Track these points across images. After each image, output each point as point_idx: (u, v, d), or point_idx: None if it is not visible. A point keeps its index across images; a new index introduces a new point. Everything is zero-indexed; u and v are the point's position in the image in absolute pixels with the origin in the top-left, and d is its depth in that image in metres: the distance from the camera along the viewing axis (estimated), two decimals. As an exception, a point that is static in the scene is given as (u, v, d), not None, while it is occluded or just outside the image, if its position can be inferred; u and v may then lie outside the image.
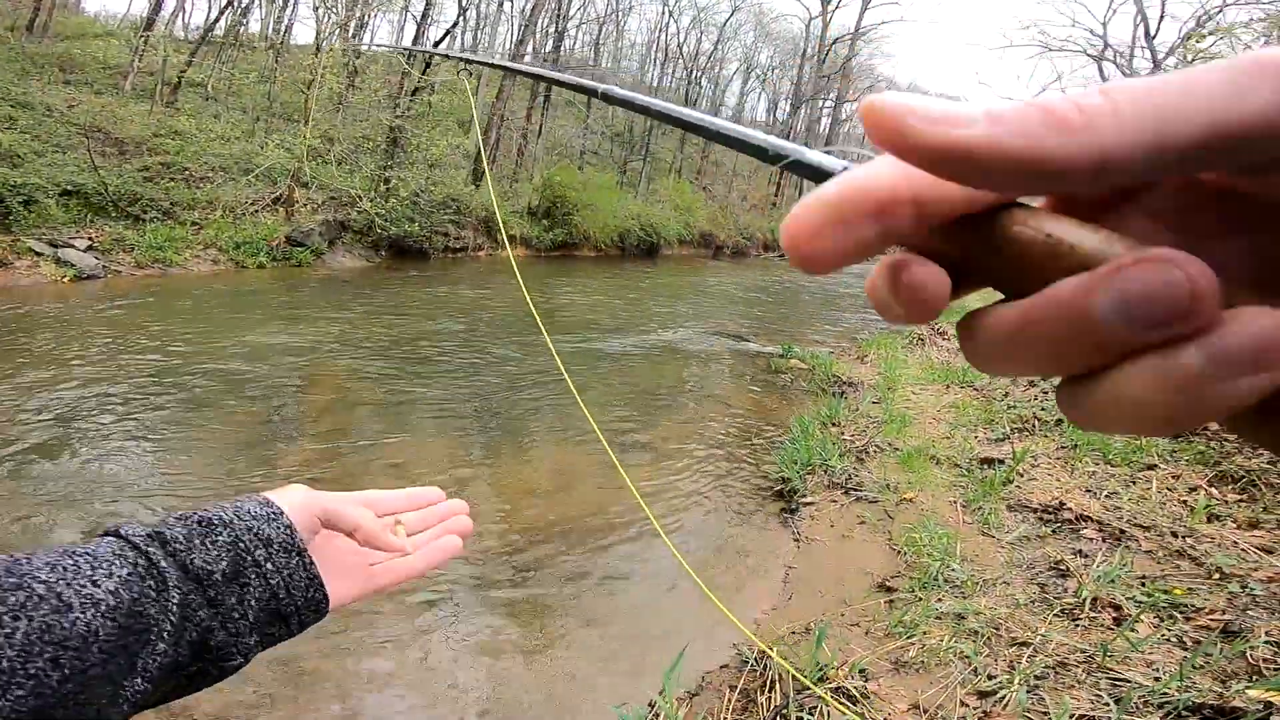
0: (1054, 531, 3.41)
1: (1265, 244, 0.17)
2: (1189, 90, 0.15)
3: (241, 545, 0.53)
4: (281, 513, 0.56)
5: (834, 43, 34.71)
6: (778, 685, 2.63)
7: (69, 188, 9.94)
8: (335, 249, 12.59)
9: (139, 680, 0.45)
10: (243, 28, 19.60)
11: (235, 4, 18.58)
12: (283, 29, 20.67)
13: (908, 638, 2.66)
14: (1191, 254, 0.15)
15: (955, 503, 3.95)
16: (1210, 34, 9.49)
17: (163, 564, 0.49)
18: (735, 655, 3.00)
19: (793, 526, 4.15)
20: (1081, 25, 17.30)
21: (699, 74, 33.62)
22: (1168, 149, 0.15)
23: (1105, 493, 3.77)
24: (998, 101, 0.16)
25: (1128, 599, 2.66)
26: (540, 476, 4.74)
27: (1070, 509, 3.53)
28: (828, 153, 0.26)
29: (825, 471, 4.59)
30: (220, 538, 0.52)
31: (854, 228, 0.18)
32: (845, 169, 0.22)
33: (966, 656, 2.44)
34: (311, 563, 0.56)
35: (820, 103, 37.13)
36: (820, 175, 0.25)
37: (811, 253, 0.18)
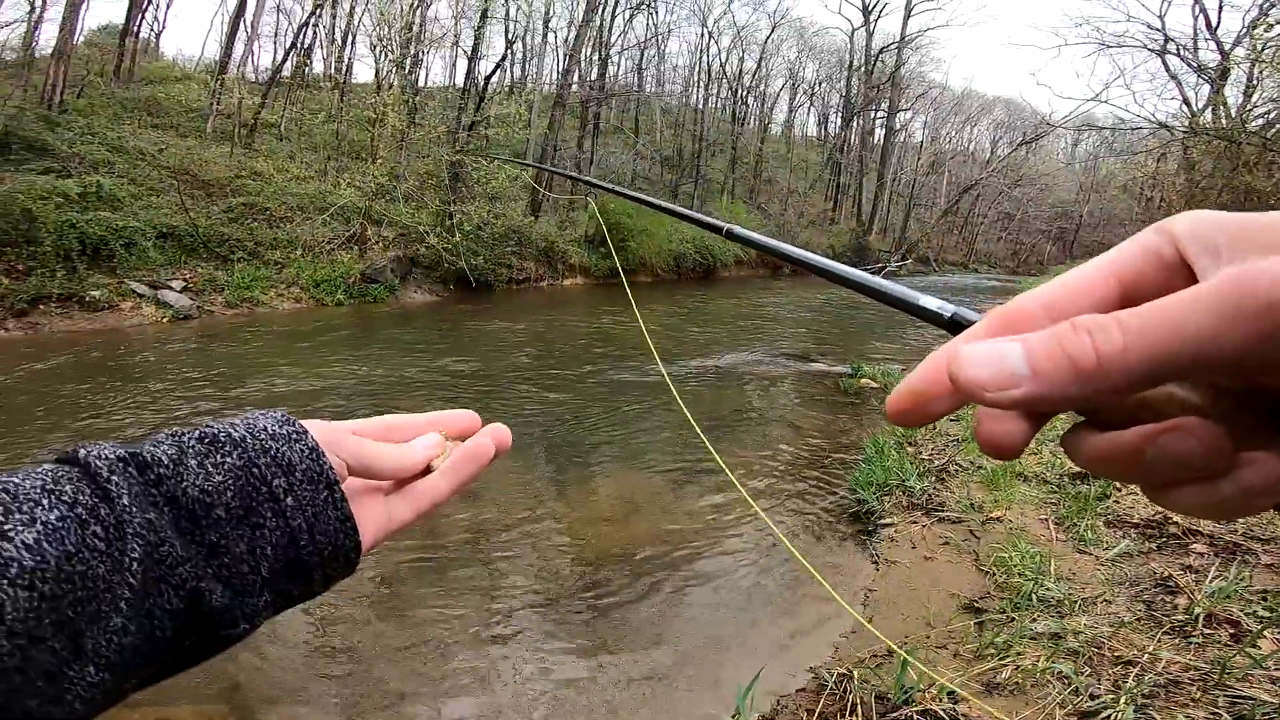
0: (1159, 547, 3.19)
1: (1268, 410, 0.22)
2: (1181, 330, 0.19)
3: (255, 471, 0.40)
4: (305, 433, 0.43)
5: (880, 52, 34.29)
6: (859, 709, 2.53)
7: (163, 230, 10.65)
8: (407, 284, 13.13)
9: (90, 669, 0.32)
10: (307, 68, 20.94)
11: (299, 45, 19.92)
12: (344, 68, 22.02)
13: (1000, 659, 2.52)
14: (1217, 421, 0.22)
15: (1047, 520, 3.75)
16: (1276, 23, 8.93)
17: (123, 500, 0.35)
18: (812, 678, 2.90)
19: (871, 549, 4.02)
20: (1137, 20, 16.50)
21: (744, 93, 33.72)
22: (1165, 375, 0.20)
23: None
24: (1038, 342, 0.21)
25: (1247, 615, 2.45)
26: (608, 499, 4.76)
27: (1177, 523, 3.29)
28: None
29: (904, 492, 4.45)
30: (228, 459, 0.40)
31: (938, 403, 0.25)
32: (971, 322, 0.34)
33: (1066, 676, 2.30)
34: (343, 499, 0.43)
35: (873, 113, 36.59)
36: (953, 325, 0.35)
37: (905, 422, 0.26)
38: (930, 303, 0.36)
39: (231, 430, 0.42)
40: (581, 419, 6.53)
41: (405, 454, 0.49)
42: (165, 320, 9.33)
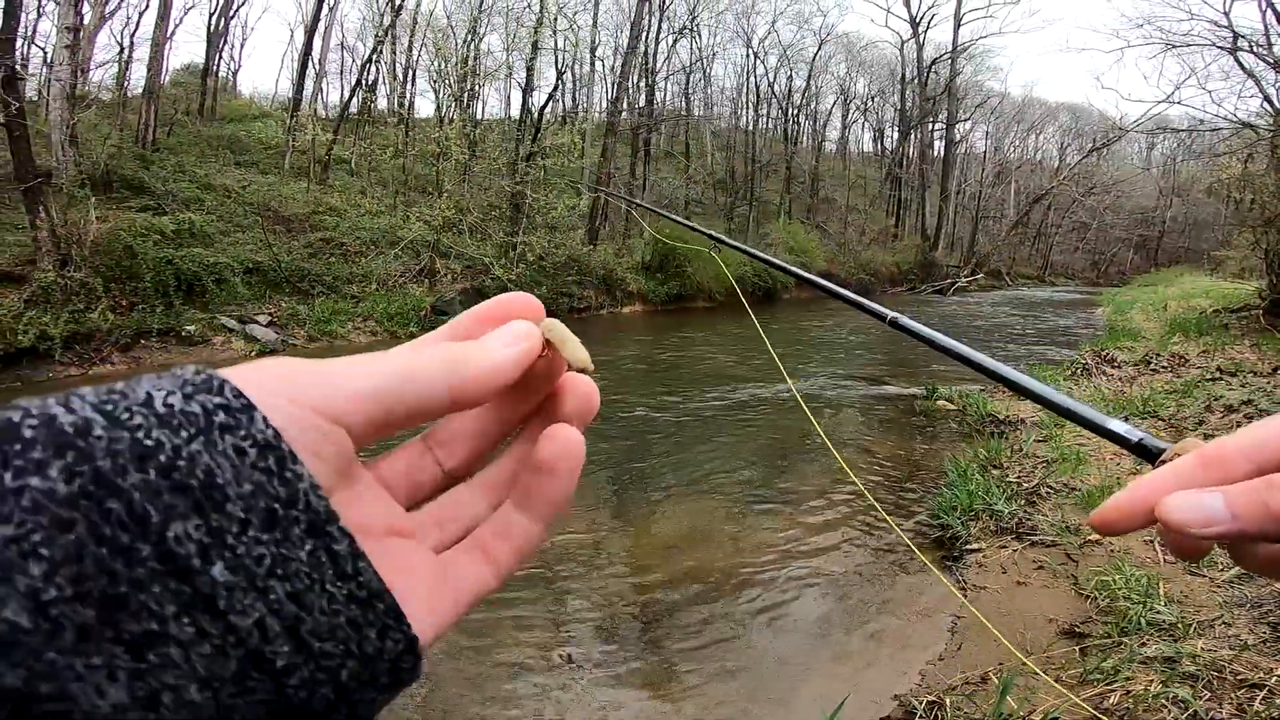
0: (1282, 569, 2.94)
1: None
2: None
3: (110, 516, 0.18)
4: (248, 409, 0.21)
5: (933, 63, 33.60)
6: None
7: (250, 265, 11.23)
8: (473, 315, 13.53)
9: None
10: (373, 104, 22.04)
11: (364, 82, 21.03)
12: (407, 104, 23.12)
13: (1108, 684, 2.36)
14: None
15: (1152, 542, 3.52)
16: None
17: None
18: (898, 707, 2.80)
19: (957, 574, 3.86)
20: (1200, 17, 15.55)
21: (795, 111, 33.55)
22: None
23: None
24: (1240, 494, 0.29)
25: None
26: (674, 526, 4.72)
27: (1300, 543, 3.03)
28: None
29: (991, 516, 4.27)
30: (30, 487, 0.17)
31: (1137, 521, 0.32)
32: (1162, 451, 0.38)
33: (1183, 701, 2.13)
34: (354, 550, 0.21)
35: (930, 126, 35.79)
36: (1140, 449, 0.38)
37: (1108, 532, 0.33)
38: (1118, 427, 0.41)
39: (72, 407, 0.19)
40: (644, 445, 6.54)
41: (471, 352, 0.26)
42: (253, 354, 9.87)
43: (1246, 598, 2.77)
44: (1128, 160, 49.61)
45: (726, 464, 6.01)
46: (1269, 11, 14.12)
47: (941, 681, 2.86)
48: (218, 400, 0.20)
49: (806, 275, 0.97)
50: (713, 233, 1.49)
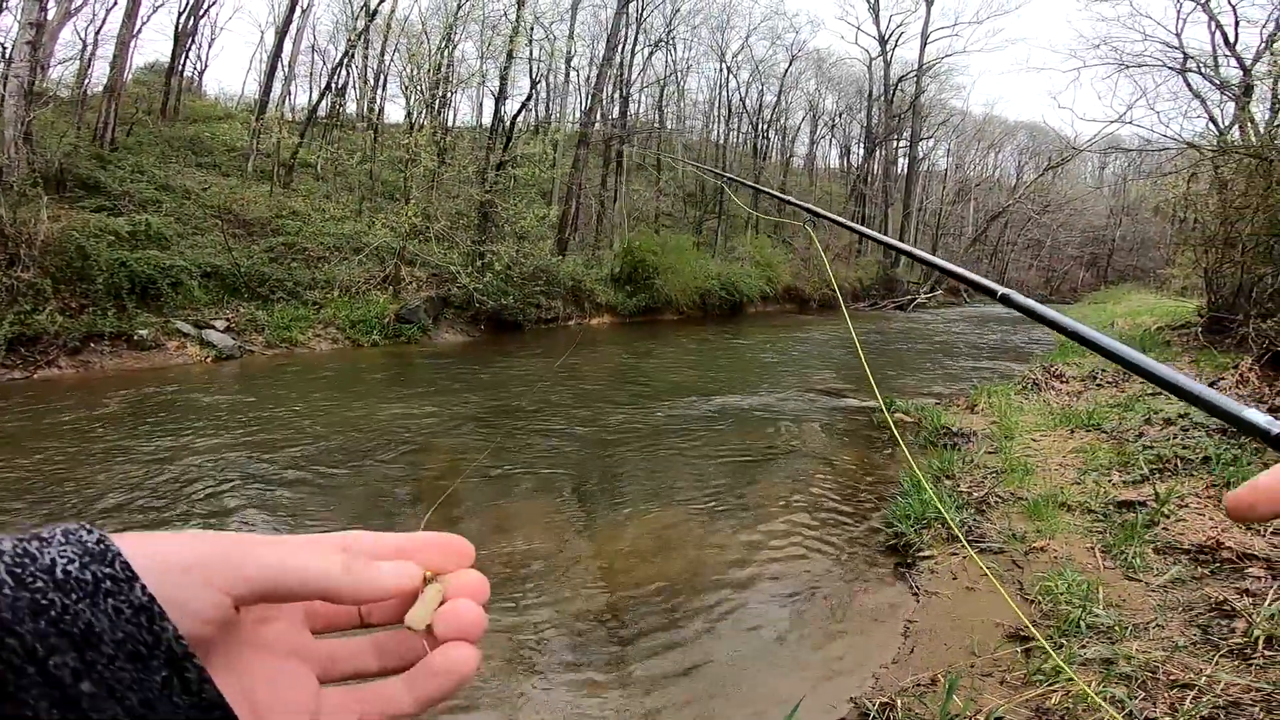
0: (1212, 572, 3.09)
1: None
2: None
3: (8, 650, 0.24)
4: (130, 580, 0.27)
5: (899, 81, 34.47)
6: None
7: (208, 269, 10.97)
8: (440, 325, 13.40)
9: None
10: (342, 109, 21.75)
11: (334, 85, 20.76)
12: (377, 109, 22.84)
13: (1049, 685, 2.45)
14: None
15: (1093, 548, 3.66)
16: None
17: None
18: (853, 708, 2.86)
19: (910, 580, 3.96)
20: (1154, 39, 16.32)
21: (765, 126, 34.08)
22: None
23: (1271, 529, 3.39)
24: None
25: (1312, 639, 2.36)
26: (639, 535, 4.75)
27: (1230, 548, 3.19)
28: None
29: (942, 525, 4.38)
30: None
31: (1271, 506, 0.30)
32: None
33: (1119, 701, 2.23)
34: (203, 680, 0.27)
35: (895, 143, 36.67)
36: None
37: (1241, 517, 0.31)
38: (1258, 418, 0.37)
39: None
40: (611, 455, 6.57)
41: (359, 570, 0.33)
42: (209, 360, 9.64)
43: (1179, 601, 2.90)
44: (1081, 179, 51.48)
45: (690, 474, 6.06)
46: (1217, 33, 14.85)
47: (894, 683, 2.93)
48: (107, 570, 0.27)
49: (923, 255, 0.95)
50: (810, 206, 1.49)
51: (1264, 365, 7.56)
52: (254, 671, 0.32)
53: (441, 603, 0.35)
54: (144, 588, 0.27)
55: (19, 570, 0.25)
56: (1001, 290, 0.74)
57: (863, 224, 35.32)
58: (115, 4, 16.48)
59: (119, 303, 9.44)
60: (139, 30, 16.21)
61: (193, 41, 22.30)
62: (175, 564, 0.29)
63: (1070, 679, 2.42)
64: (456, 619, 0.35)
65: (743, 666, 3.27)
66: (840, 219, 1.40)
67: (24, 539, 0.27)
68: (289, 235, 13.38)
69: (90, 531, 0.28)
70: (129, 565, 0.27)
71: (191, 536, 0.30)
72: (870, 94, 35.41)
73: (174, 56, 19.76)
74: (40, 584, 0.25)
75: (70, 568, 0.26)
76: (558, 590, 3.94)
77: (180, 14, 20.03)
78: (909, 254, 1.01)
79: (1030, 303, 0.67)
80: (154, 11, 19.35)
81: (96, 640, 0.25)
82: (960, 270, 0.84)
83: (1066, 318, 0.60)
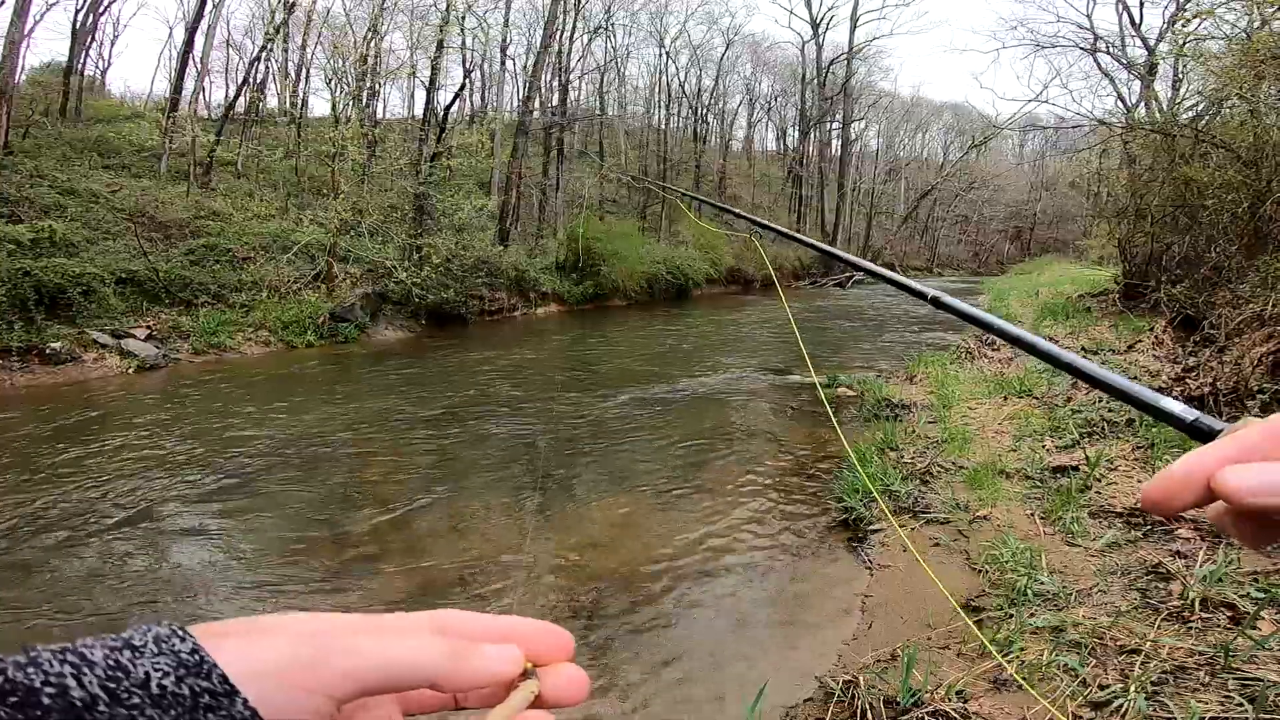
0: (1145, 535, 3.27)
1: None
2: None
3: None
4: (230, 695, 0.26)
5: (830, 64, 35.12)
6: (869, 714, 2.53)
7: (123, 275, 10.30)
8: (378, 322, 12.97)
9: None
10: (261, 104, 20.76)
11: (251, 81, 19.79)
12: (299, 103, 21.86)
13: (1004, 655, 2.54)
14: None
15: (1033, 515, 3.82)
16: (1194, 17, 9.41)
17: None
18: (819, 688, 2.90)
19: (863, 555, 4.05)
20: (1066, 20, 17.14)
21: (704, 110, 34.28)
22: None
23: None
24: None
25: (1241, 597, 2.52)
26: (598, 525, 4.72)
27: (1158, 509, 3.37)
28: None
29: (890, 497, 4.49)
30: None
31: (1186, 498, 0.29)
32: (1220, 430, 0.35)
33: (1072, 669, 2.33)
34: None
35: (828, 125, 37.41)
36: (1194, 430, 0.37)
37: (1157, 510, 0.30)
38: (1172, 406, 0.39)
39: (82, 682, 0.24)
40: (564, 446, 6.50)
41: (464, 657, 0.32)
42: (131, 371, 9.06)
43: (1117, 565, 3.05)
44: (1003, 156, 53.64)
45: (645, 460, 6.06)
46: (1124, 15, 15.62)
47: (855, 660, 3.00)
48: (204, 684, 0.25)
49: (859, 261, 0.97)
50: (753, 216, 1.48)
51: (1176, 327, 8.05)
52: None
53: (534, 701, 0.34)
54: (246, 702, 0.26)
55: (113, 686, 0.24)
56: (931, 292, 0.78)
57: (800, 205, 35.96)
58: (3, 3, 15.20)
59: (26, 314, 8.78)
60: (31, 29, 14.99)
61: (93, 39, 20.88)
62: (274, 671, 0.27)
63: (1023, 648, 2.51)
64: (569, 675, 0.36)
65: (706, 652, 3.29)
66: (778, 227, 1.41)
67: (115, 647, 0.25)
68: (210, 236, 12.74)
69: (184, 639, 0.26)
70: (226, 679, 0.26)
71: (291, 635, 0.28)
72: (804, 77, 35.95)
73: (72, 55, 18.53)
74: (136, 700, 0.24)
75: (166, 682, 0.25)
76: (519, 581, 3.89)
77: (78, 11, 18.71)
78: (842, 259, 1.06)
79: (959, 304, 0.71)
80: (47, 9, 17.89)
81: None
82: (890, 274, 0.89)
83: (993, 317, 0.64)
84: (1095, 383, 0.46)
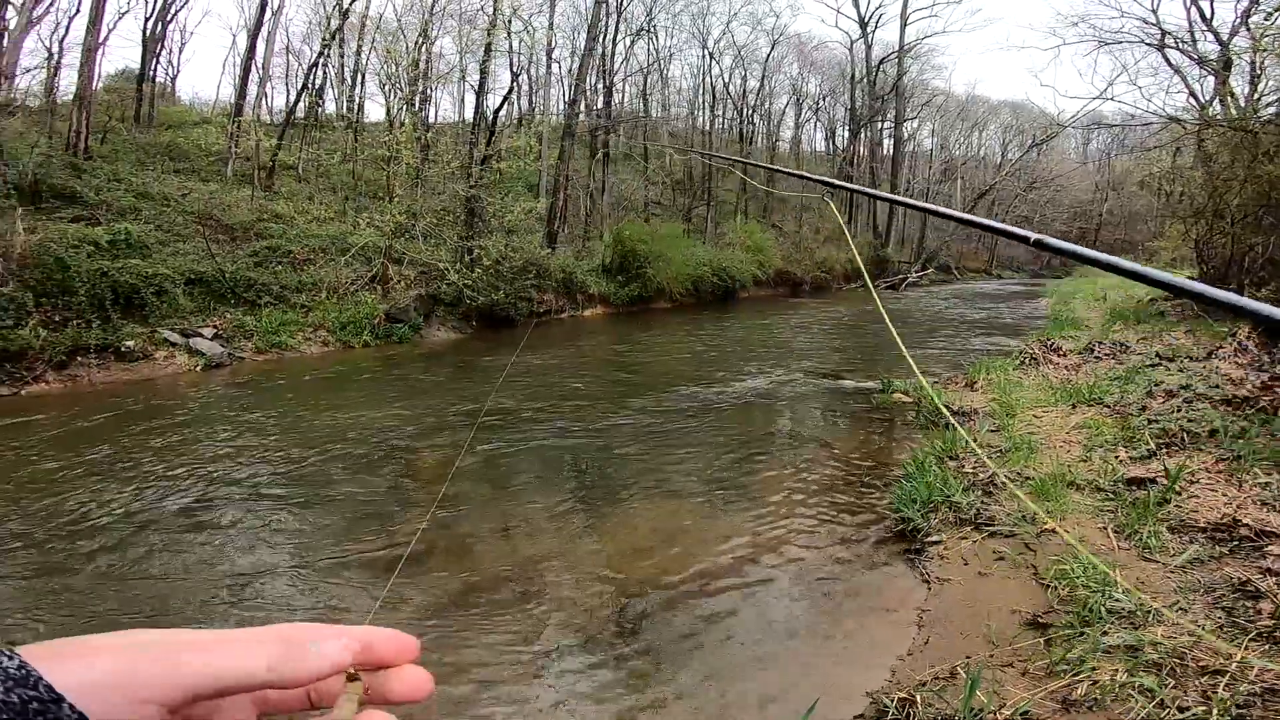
0: (1231, 551, 3.04)
1: None
2: None
3: None
4: (58, 697, 0.29)
5: (880, 63, 34.32)
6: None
7: (192, 276, 10.74)
8: (430, 323, 13.24)
9: None
10: (320, 109, 21.49)
11: (310, 86, 20.47)
12: (356, 108, 22.52)
13: (1074, 675, 2.40)
14: None
15: (1105, 529, 3.62)
16: (1276, 9, 8.81)
17: None
18: (871, 704, 2.80)
19: (920, 567, 3.91)
20: (1130, 15, 16.29)
21: (749, 111, 33.91)
22: None
23: (1287, 506, 3.35)
24: None
25: (1341, 621, 2.32)
26: (642, 531, 4.68)
27: (1247, 525, 3.14)
28: None
29: (950, 508, 4.32)
30: None
31: None
32: None
33: (1149, 690, 2.17)
34: None
35: (879, 124, 36.55)
36: None
37: None
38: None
39: None
40: (610, 450, 6.49)
41: (284, 665, 0.34)
42: (198, 369, 9.48)
43: (1200, 583, 2.86)
44: (1066, 155, 51.54)
45: (692, 464, 6.00)
46: (1193, 8, 14.82)
47: (911, 677, 2.88)
48: (31, 693, 0.28)
49: (955, 213, 1.00)
50: (829, 179, 1.47)
51: (1261, 333, 7.56)
52: None
53: (362, 704, 0.36)
54: (72, 706, 0.29)
55: None
56: (1035, 236, 0.76)
57: (851, 208, 35.33)
58: (78, 11, 16.12)
59: (103, 314, 9.25)
60: (105, 38, 15.83)
61: (162, 47, 21.91)
62: (101, 683, 0.30)
63: (1095, 668, 2.37)
64: (413, 679, 0.38)
65: (754, 664, 3.21)
66: (861, 188, 1.35)
67: None
68: (273, 239, 13.17)
69: (10, 657, 0.29)
70: (52, 688, 0.29)
71: (116, 650, 0.31)
72: (853, 77, 35.21)
73: (144, 62, 19.48)
74: None
75: None
76: (564, 589, 3.88)
77: (148, 19, 19.69)
78: (939, 213, 1.07)
79: (1063, 244, 0.70)
80: (120, 18, 18.89)
81: None
82: (990, 222, 0.89)
83: (1098, 253, 0.63)
84: (1258, 318, 0.44)
